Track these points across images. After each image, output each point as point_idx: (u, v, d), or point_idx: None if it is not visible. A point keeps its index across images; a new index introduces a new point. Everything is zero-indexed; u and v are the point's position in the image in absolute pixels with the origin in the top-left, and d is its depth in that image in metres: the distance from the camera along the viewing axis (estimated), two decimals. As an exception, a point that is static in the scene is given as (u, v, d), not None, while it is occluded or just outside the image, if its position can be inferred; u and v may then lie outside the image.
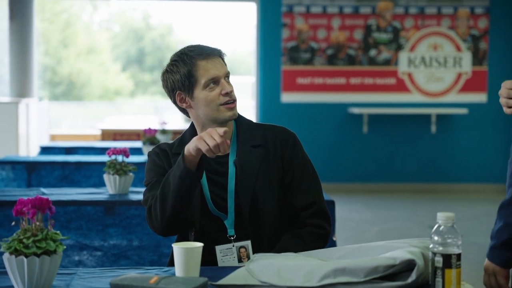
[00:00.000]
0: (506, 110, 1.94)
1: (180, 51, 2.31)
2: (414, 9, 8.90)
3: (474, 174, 8.98)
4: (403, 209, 7.68)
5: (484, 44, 8.96)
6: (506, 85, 1.93)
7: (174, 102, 2.34)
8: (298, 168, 2.34)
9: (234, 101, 2.29)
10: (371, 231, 6.40)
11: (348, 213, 7.29)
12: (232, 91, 2.28)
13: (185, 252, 1.90)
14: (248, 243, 2.30)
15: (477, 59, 8.97)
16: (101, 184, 4.47)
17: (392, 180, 8.91)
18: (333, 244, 3.35)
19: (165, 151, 2.34)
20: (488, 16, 8.90)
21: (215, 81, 2.26)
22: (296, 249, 2.14)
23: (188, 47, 2.32)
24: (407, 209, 7.63)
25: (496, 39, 8.94)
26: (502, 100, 1.94)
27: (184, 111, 2.35)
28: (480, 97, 8.99)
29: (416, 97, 8.98)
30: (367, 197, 8.40)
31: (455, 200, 8.26)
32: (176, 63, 2.28)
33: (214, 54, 2.29)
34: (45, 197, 1.82)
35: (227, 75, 2.30)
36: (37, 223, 1.80)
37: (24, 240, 1.77)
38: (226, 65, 2.32)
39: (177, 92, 2.30)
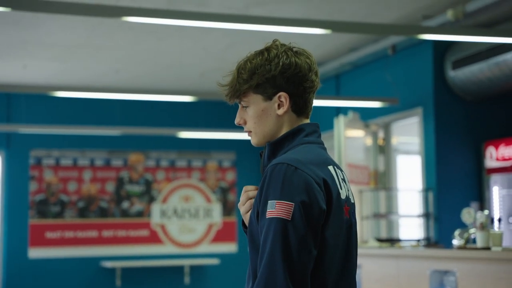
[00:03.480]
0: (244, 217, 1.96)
1: None
2: (165, 161, 9.12)
3: (227, 324, 9.05)
4: None
5: (232, 195, 9.37)
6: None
7: None
8: None
9: None
10: None
11: None
12: None
13: None
14: None
15: (226, 210, 9.32)
16: None
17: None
18: None
19: None
20: (235, 169, 9.38)
21: None
22: None
23: None
24: None
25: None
26: (241, 208, 1.96)
27: None
28: (230, 247, 9.26)
29: (169, 249, 9.01)
30: None
31: None
32: None
33: None
34: None
35: None
36: None
37: None
38: None
39: None
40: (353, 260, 1.93)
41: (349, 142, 6.70)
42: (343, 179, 1.93)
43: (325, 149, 1.97)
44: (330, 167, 1.89)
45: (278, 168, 1.79)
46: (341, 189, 1.88)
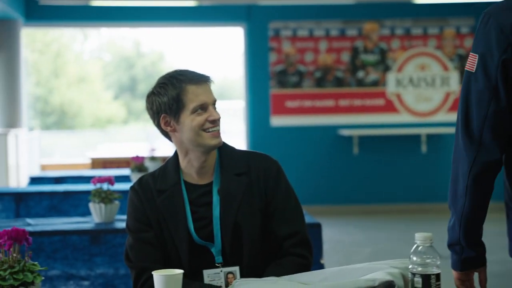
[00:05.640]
0: None
1: (168, 74, 2.28)
2: (400, 30, 8.96)
3: (465, 193, 8.99)
4: (395, 230, 7.66)
5: (471, 63, 9.02)
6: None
7: (158, 125, 2.30)
8: (281, 197, 2.32)
9: (219, 129, 2.27)
10: (362, 253, 6.38)
11: (339, 235, 7.28)
12: (219, 119, 2.26)
13: (165, 280, 1.89)
14: (236, 269, 2.26)
15: (465, 78, 9.02)
16: (89, 212, 4.45)
17: (383, 201, 8.91)
18: (321, 267, 3.34)
19: (147, 188, 2.30)
20: (474, 35, 8.96)
21: (203, 107, 2.24)
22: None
23: (177, 71, 2.29)
24: (399, 230, 7.62)
25: (482, 57, 9.01)
26: None
27: (167, 135, 2.32)
28: (468, 116, 9.02)
29: (405, 118, 9.01)
30: (358, 219, 8.39)
31: (447, 220, 8.24)
32: (164, 85, 2.25)
33: (203, 80, 2.27)
34: (29, 227, 1.81)
35: (214, 103, 2.28)
36: (14, 255, 1.79)
37: (1, 272, 1.76)
38: (212, 93, 2.30)
39: (162, 115, 2.26)
40: None
41: None
42: None
43: None
44: None
45: (480, 19, 1.78)
46: None
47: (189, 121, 2.23)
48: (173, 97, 2.23)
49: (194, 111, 2.23)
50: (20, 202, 4.80)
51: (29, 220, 3.59)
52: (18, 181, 8.05)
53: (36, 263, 1.82)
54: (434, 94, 9.04)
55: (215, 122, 2.25)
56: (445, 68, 9.02)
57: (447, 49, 9.01)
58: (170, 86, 2.24)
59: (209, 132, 2.24)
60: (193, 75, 2.26)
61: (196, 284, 2.20)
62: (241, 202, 2.27)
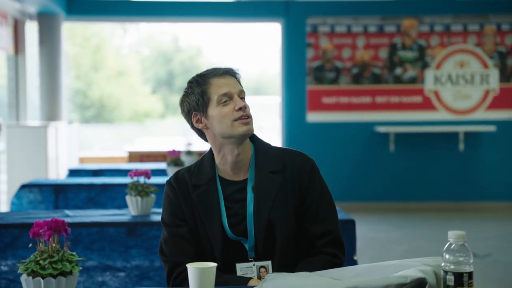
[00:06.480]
0: None
1: (196, 74, 2.33)
2: (440, 26, 8.87)
3: (503, 192, 8.88)
4: (430, 228, 7.61)
5: None
6: None
7: (192, 125, 2.34)
8: (315, 195, 2.33)
9: (248, 117, 2.28)
10: (397, 251, 6.35)
11: (374, 232, 7.25)
12: (245, 106, 2.26)
13: (199, 272, 1.93)
14: (269, 263, 2.29)
15: (505, 75, 8.90)
16: (126, 205, 4.51)
17: (419, 198, 8.85)
18: (354, 264, 3.34)
19: (183, 183, 2.33)
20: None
21: (227, 95, 2.26)
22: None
23: (204, 70, 2.34)
24: (435, 228, 7.57)
25: (523, 55, 8.87)
26: None
27: (201, 133, 2.36)
28: (508, 114, 8.91)
29: (443, 115, 8.93)
30: (393, 216, 8.35)
31: (484, 219, 8.17)
32: (191, 85, 2.31)
33: (227, 73, 2.30)
34: (68, 219, 1.85)
35: (241, 93, 2.29)
36: (53, 245, 1.84)
37: (41, 262, 1.81)
38: (241, 85, 2.32)
39: (193, 113, 2.31)
40: None
41: None
42: None
43: None
44: None
45: None
46: None
47: (216, 112, 2.26)
48: (198, 93, 2.28)
49: (219, 101, 2.26)
50: (59, 193, 4.89)
51: (67, 212, 3.66)
52: (57, 173, 8.19)
53: (74, 253, 1.87)
54: (473, 91, 8.94)
55: (242, 109, 2.26)
56: (485, 65, 8.91)
57: (487, 46, 8.90)
58: (195, 83, 2.30)
59: (238, 120, 2.26)
60: (218, 70, 2.30)
61: (228, 276, 2.23)
62: (275, 200, 2.29)
